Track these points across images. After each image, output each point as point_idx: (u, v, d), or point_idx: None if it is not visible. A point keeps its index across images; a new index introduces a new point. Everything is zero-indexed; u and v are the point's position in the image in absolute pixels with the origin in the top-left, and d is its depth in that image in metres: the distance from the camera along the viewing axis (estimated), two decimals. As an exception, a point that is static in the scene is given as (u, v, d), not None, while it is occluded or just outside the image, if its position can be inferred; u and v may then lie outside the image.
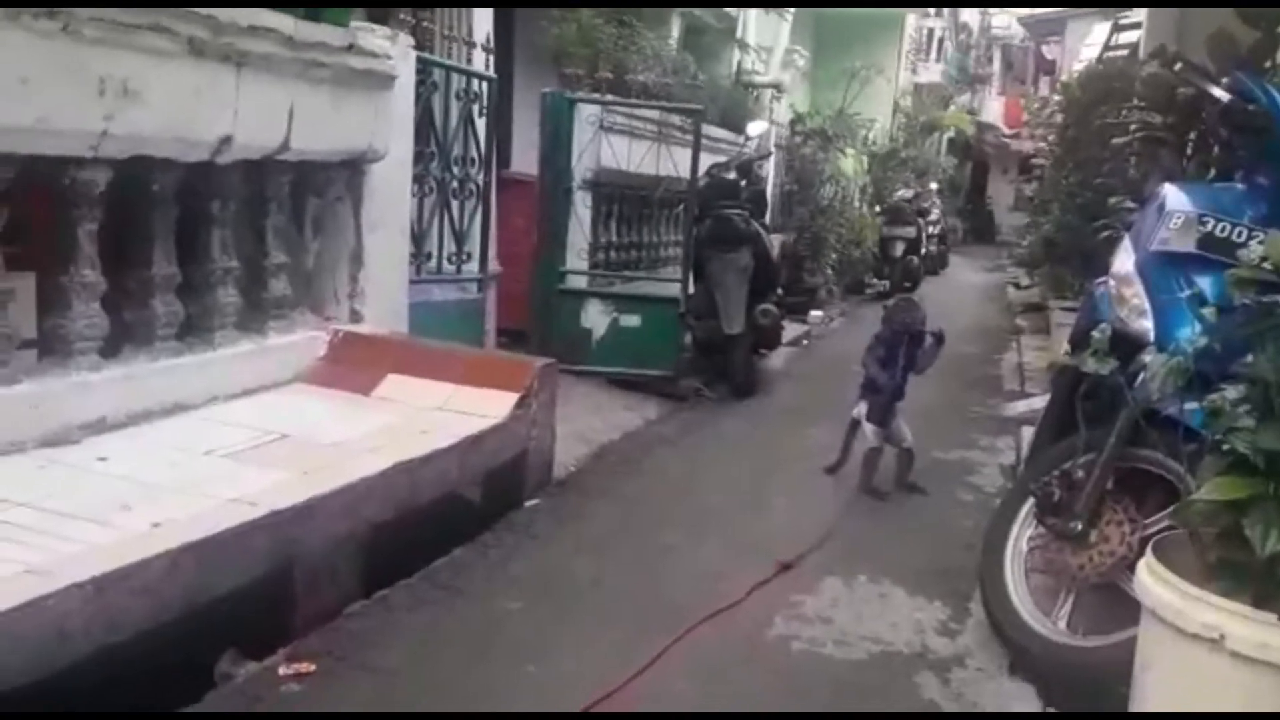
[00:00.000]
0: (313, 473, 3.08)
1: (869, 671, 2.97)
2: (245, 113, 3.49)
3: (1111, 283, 3.05)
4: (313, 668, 2.67)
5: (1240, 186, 3.01)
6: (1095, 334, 2.67)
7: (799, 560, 3.71)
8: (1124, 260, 3.04)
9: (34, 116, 2.80)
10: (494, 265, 5.95)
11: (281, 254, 4.03)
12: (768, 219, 8.05)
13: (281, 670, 2.66)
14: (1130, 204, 4.85)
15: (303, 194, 4.13)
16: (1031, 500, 3.12)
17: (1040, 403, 5.51)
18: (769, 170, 10.11)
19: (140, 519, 2.61)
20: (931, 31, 22.22)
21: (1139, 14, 9.39)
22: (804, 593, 3.47)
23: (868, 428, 4.71)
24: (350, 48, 3.92)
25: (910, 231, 14.10)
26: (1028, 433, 4.81)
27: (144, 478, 2.92)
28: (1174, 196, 2.97)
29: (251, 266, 3.93)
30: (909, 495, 4.70)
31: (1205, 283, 2.75)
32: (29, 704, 2.08)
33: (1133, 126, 5.27)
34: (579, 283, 6.53)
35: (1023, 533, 3.19)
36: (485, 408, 3.89)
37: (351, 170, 4.26)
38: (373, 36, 4.13)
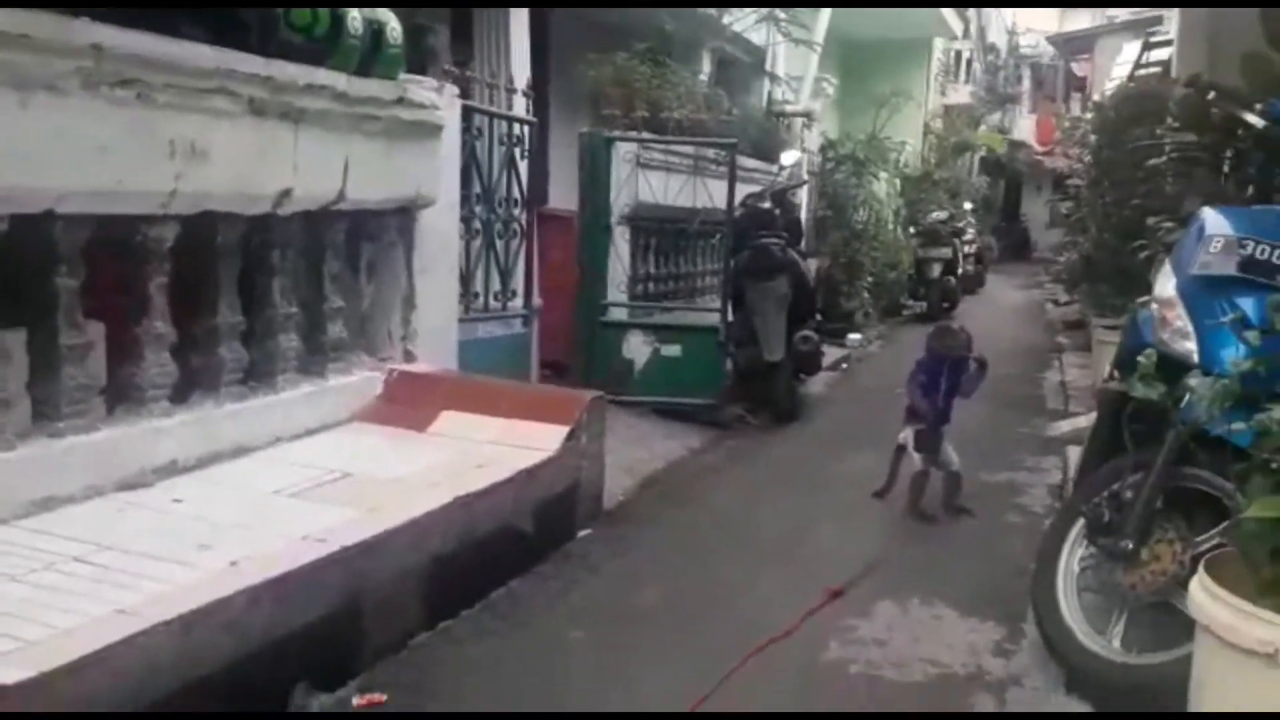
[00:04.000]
0: (377, 509, 3.19)
1: (926, 693, 3.02)
2: (303, 166, 3.66)
3: (1154, 306, 3.08)
4: (385, 698, 2.76)
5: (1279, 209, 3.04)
6: (1141, 359, 2.71)
7: (848, 587, 3.75)
8: (1165, 284, 3.08)
9: (112, 179, 2.98)
10: (536, 301, 6.08)
11: (338, 299, 4.17)
12: (803, 245, 8.13)
13: (355, 701, 2.75)
14: (1168, 223, 4.88)
15: (357, 241, 4.28)
16: (1081, 521, 3.15)
17: (1085, 422, 5.52)
18: (803, 197, 10.19)
19: (218, 558, 2.73)
20: (959, 54, 22.25)
21: (1170, 30, 9.40)
22: (858, 617, 3.51)
23: (914, 453, 4.74)
24: (400, 100, 4.09)
25: (946, 252, 14.10)
26: (1074, 453, 4.83)
27: (217, 518, 3.05)
28: (1213, 220, 3.01)
29: (310, 311, 4.07)
30: (957, 518, 4.73)
31: (1248, 304, 2.78)
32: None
33: (1167, 147, 5.29)
34: (620, 315, 6.63)
35: (1074, 553, 3.21)
36: (537, 441, 3.99)
37: (403, 216, 4.41)
38: (420, 89, 4.29)
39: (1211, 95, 3.15)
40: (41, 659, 2.09)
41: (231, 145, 3.35)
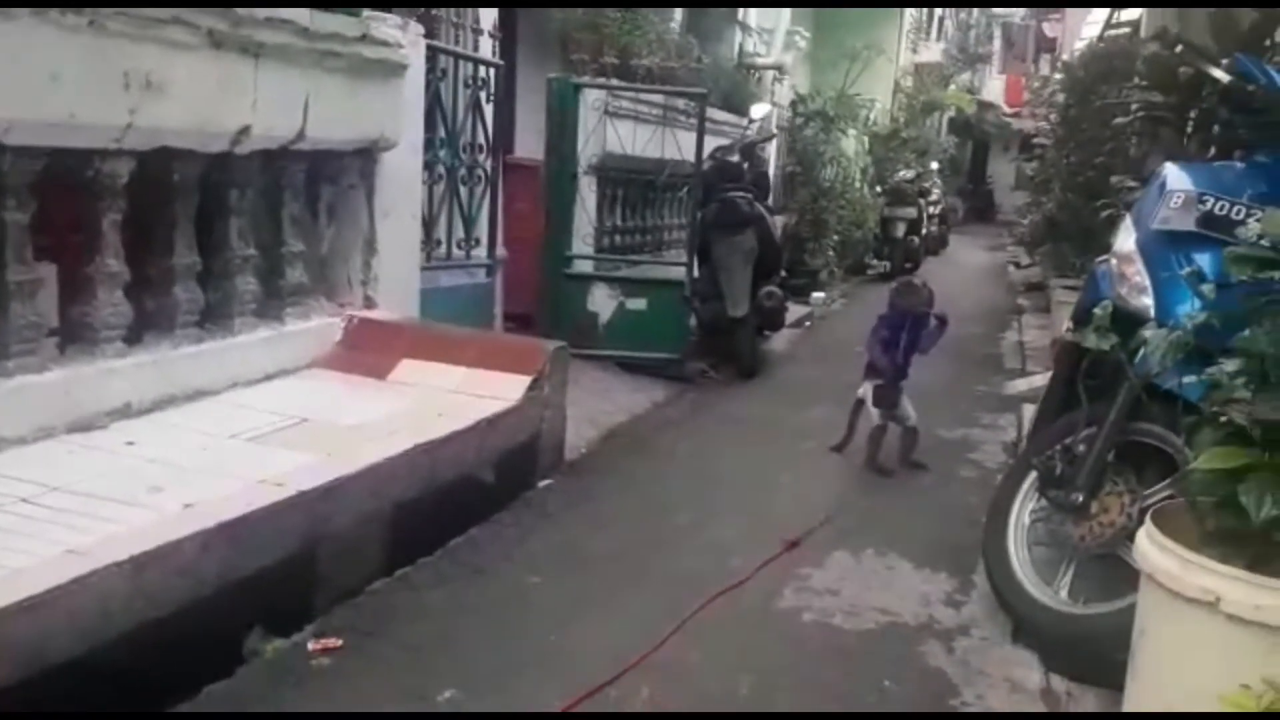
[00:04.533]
0: (335, 454, 3.17)
1: (876, 641, 3.07)
2: (263, 103, 3.57)
3: (1113, 261, 3.12)
4: (340, 643, 2.77)
5: (1240, 165, 3.06)
6: (1097, 311, 2.74)
7: (804, 538, 3.79)
8: (1125, 239, 3.11)
9: (63, 110, 2.88)
10: (501, 251, 6.02)
11: (298, 242, 4.11)
12: (770, 201, 8.11)
13: (310, 645, 2.75)
14: (1131, 183, 4.92)
15: (318, 182, 4.21)
16: (1034, 474, 3.21)
17: (1041, 381, 5.60)
18: (772, 152, 10.15)
19: (172, 500, 2.70)
20: (932, 10, 22.14)
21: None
22: (812, 566, 3.56)
23: (872, 409, 4.79)
24: (364, 37, 3.99)
25: (911, 212, 14.14)
26: (1029, 410, 4.90)
27: (172, 461, 3.01)
28: (1174, 175, 3.04)
29: (269, 254, 4.00)
30: (913, 472, 4.80)
31: (1205, 260, 2.81)
32: (83, 673, 2.17)
33: (1134, 106, 5.32)
34: (585, 267, 6.59)
35: (1025, 506, 3.28)
36: (499, 390, 3.97)
37: (365, 158, 4.33)
38: (384, 26, 4.19)
39: (1178, 49, 3.15)
40: (-13, 598, 2.06)
41: (188, 79, 3.25)
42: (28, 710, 2.09)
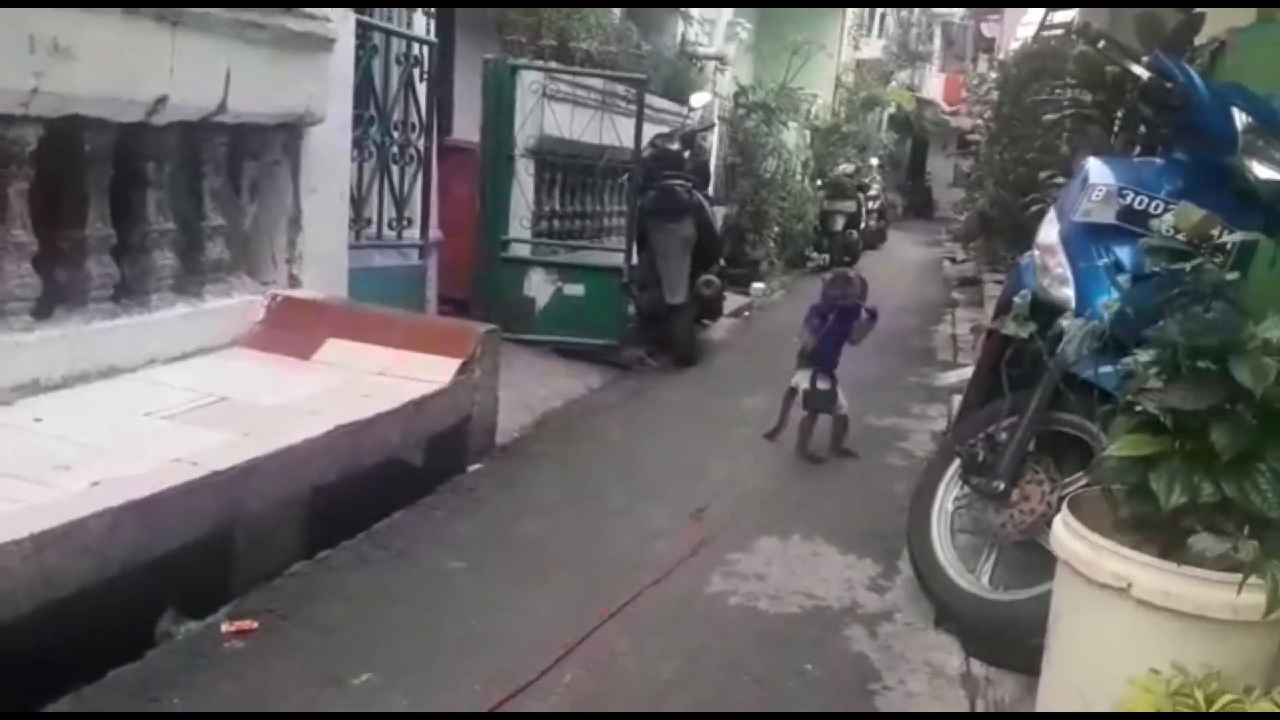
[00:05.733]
0: (253, 434, 3.08)
1: (801, 625, 3.09)
2: (181, 73, 3.44)
3: (1036, 253, 3.16)
4: (255, 625, 2.70)
5: (1159, 161, 3.13)
6: (1016, 299, 2.78)
7: (708, 506, 3.89)
8: (1049, 231, 3.15)
9: (-38, 71, 2.75)
10: (435, 233, 5.92)
11: (218, 217, 3.99)
12: (711, 191, 8.11)
13: (224, 628, 2.68)
14: (1060, 179, 5.00)
15: (240, 157, 4.08)
16: (957, 461, 3.24)
17: (971, 372, 5.68)
18: (712, 142, 10.16)
19: (79, 478, 2.60)
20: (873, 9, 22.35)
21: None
22: (740, 551, 3.57)
23: (796, 378, 4.81)
24: (288, 9, 3.88)
25: (850, 206, 14.30)
26: (958, 401, 4.96)
27: (82, 438, 2.90)
28: (1096, 170, 3.08)
29: (188, 230, 3.88)
30: (843, 460, 4.83)
31: (1123, 253, 2.87)
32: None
33: (1064, 104, 5.41)
34: (522, 251, 6.53)
35: (949, 493, 3.32)
36: (427, 373, 3.90)
37: (289, 133, 4.21)
38: (312, -2, 4.08)
39: (1101, 44, 3.20)
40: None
41: (99, 45, 3.12)
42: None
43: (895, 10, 24.92)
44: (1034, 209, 5.39)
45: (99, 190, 3.44)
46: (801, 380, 4.84)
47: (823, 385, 4.78)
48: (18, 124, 3.04)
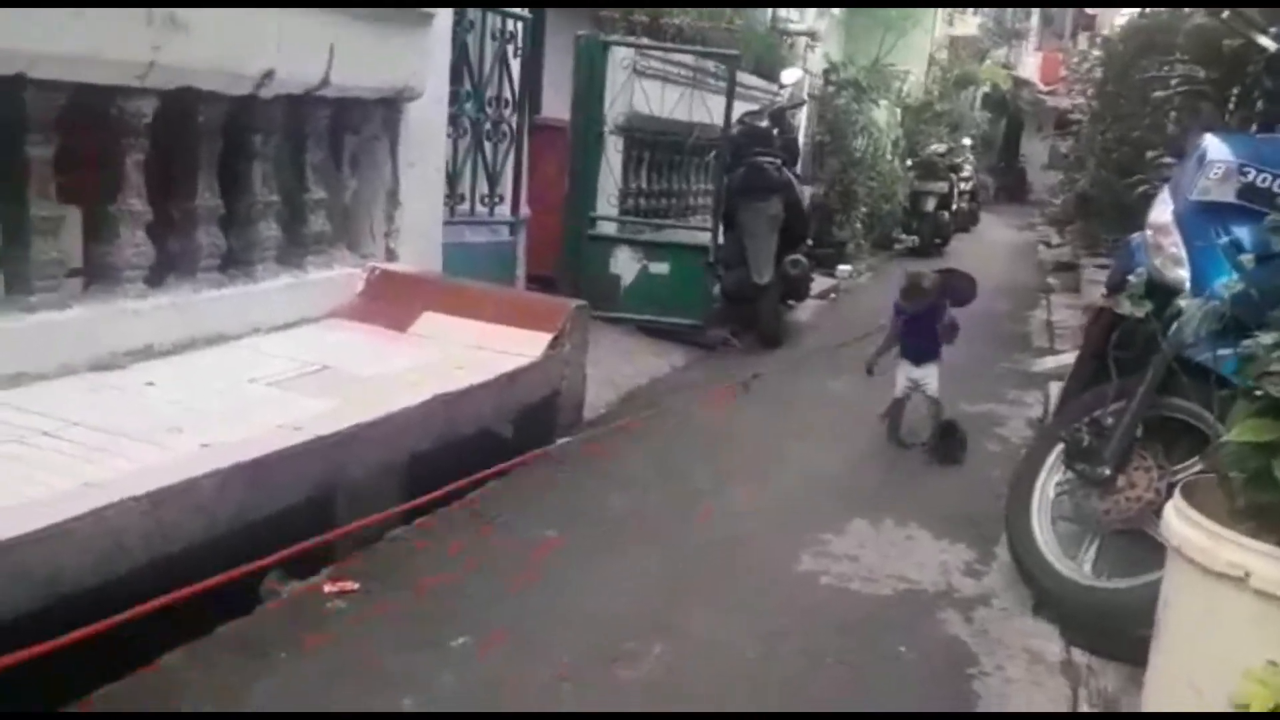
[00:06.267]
0: (354, 402, 3.15)
1: (894, 607, 3.04)
2: (287, 47, 3.53)
3: (1149, 232, 3.04)
4: (356, 586, 2.77)
5: (1282, 137, 2.99)
6: (1132, 277, 2.68)
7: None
8: (1162, 210, 3.04)
9: (86, 45, 2.85)
10: (525, 210, 5.97)
11: (320, 190, 4.08)
12: (799, 169, 8.01)
13: (326, 588, 2.75)
14: (1168, 159, 4.81)
15: (342, 131, 4.17)
16: (1060, 446, 3.15)
17: (1069, 359, 5.51)
18: (801, 120, 10.02)
19: (189, 440, 2.69)
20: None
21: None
22: (832, 533, 3.53)
23: (898, 372, 4.69)
24: (390, -16, 3.94)
25: (942, 187, 13.96)
26: (1055, 388, 4.82)
27: (191, 403, 3.00)
28: (1215, 147, 2.96)
29: (291, 202, 3.99)
30: (941, 444, 4.70)
31: (1243, 232, 2.74)
32: (97, 605, 2.17)
33: (1174, 80, 5.20)
34: (609, 229, 6.54)
35: (1050, 478, 3.23)
36: (519, 347, 3.94)
37: (389, 108, 4.29)
38: (413, -27, 4.13)
39: (1226, 14, 3.06)
40: (5, 527, 2.06)
41: (211, 19, 3.21)
42: (41, 636, 2.10)
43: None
44: (1140, 190, 5.21)
45: (209, 162, 3.55)
46: (901, 383, 4.66)
47: (915, 375, 4.63)
48: (135, 96, 3.15)
